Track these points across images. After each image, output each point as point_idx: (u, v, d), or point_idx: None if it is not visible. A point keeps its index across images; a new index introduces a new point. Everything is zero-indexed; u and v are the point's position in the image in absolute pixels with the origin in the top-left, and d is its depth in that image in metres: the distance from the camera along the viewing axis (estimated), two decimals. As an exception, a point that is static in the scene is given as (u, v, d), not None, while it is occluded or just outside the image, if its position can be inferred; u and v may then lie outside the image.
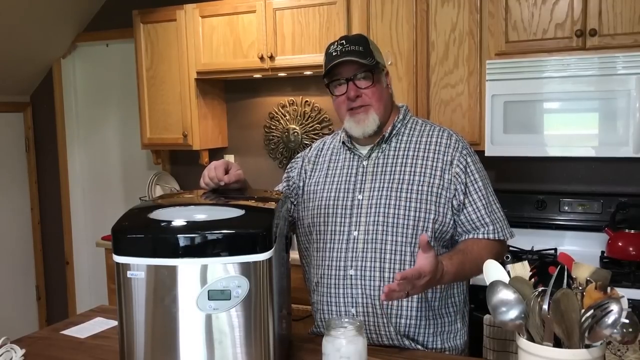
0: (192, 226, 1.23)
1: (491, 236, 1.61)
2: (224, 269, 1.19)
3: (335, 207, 1.65)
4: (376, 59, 1.63)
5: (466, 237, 1.62)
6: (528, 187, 2.85)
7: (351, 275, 1.59)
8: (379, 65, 1.64)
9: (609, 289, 1.09)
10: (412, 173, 1.61)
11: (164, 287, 1.20)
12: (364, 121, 1.62)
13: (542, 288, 1.13)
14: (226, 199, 1.46)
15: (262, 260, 1.20)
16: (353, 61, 1.59)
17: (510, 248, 2.49)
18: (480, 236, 1.61)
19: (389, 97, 1.70)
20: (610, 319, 1.04)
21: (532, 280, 1.19)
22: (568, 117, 2.46)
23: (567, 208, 2.72)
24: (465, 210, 1.61)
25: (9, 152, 4.11)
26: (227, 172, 1.51)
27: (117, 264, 1.21)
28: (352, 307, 1.58)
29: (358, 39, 1.65)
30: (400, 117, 1.70)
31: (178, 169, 3.82)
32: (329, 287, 1.62)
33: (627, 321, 1.07)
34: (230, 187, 1.53)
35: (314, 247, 1.69)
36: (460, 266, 1.50)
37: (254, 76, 3.26)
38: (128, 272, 1.21)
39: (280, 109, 3.46)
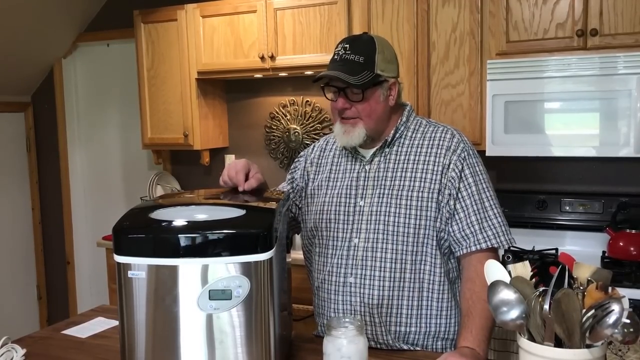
0: (193, 226, 1.23)
1: (483, 246, 1.51)
2: (225, 269, 1.19)
3: (337, 212, 1.62)
4: (376, 71, 1.53)
5: (458, 250, 1.54)
6: (529, 187, 2.85)
7: (351, 282, 1.57)
8: (379, 78, 1.55)
9: (610, 288, 1.09)
10: (413, 179, 1.56)
11: (164, 287, 1.20)
12: (349, 133, 1.57)
13: (543, 288, 1.13)
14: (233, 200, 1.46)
15: (263, 260, 1.20)
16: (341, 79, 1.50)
17: (511, 248, 2.48)
18: (473, 248, 1.51)
19: (386, 110, 1.60)
20: (611, 319, 1.03)
21: (533, 280, 1.19)
22: (569, 117, 2.46)
23: (568, 208, 2.71)
24: (456, 216, 1.53)
25: (10, 152, 4.11)
26: (247, 177, 1.49)
27: (118, 263, 1.21)
28: (351, 314, 1.57)
29: (364, 47, 1.54)
30: (404, 119, 1.64)
31: (179, 169, 3.82)
32: (329, 292, 1.61)
33: (628, 321, 1.06)
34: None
35: (315, 251, 1.68)
36: (481, 330, 1.43)
37: (255, 76, 3.26)
38: (129, 272, 1.21)
39: (281, 108, 3.46)
